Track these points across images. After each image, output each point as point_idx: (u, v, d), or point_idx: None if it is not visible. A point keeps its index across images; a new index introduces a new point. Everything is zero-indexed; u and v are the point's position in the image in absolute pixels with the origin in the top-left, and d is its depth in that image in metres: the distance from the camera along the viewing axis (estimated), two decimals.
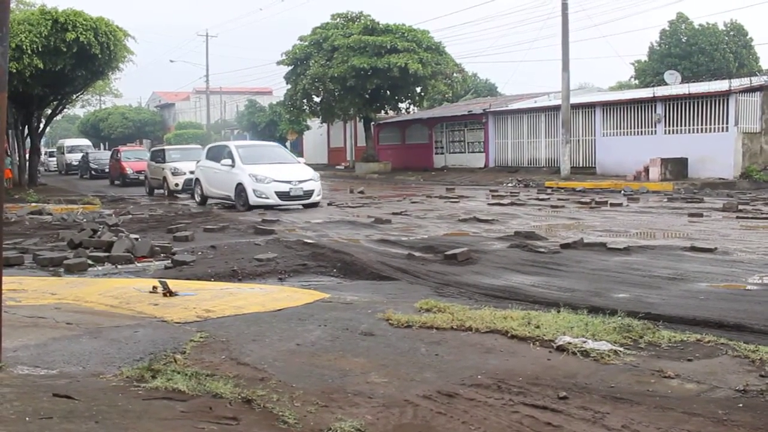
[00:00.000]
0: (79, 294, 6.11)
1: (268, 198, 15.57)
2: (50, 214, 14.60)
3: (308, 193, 15.93)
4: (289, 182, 15.73)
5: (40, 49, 21.06)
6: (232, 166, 16.32)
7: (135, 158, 30.11)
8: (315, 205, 16.14)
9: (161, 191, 22.65)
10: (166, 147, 26.37)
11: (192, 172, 19.48)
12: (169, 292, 5.88)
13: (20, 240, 10.24)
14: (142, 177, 26.13)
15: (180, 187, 21.40)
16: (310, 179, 16.17)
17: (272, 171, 15.99)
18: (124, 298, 5.85)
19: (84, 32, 21.45)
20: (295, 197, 15.79)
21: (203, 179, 17.75)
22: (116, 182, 29.93)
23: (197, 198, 18.19)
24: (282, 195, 15.63)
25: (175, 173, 21.64)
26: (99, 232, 9.96)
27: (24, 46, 20.67)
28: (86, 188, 27.10)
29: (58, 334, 4.61)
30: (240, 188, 15.89)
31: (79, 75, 23.33)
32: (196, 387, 3.46)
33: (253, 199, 15.55)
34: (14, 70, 20.72)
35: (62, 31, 21.32)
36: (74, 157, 42.12)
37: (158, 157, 23.59)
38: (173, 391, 3.40)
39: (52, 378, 3.66)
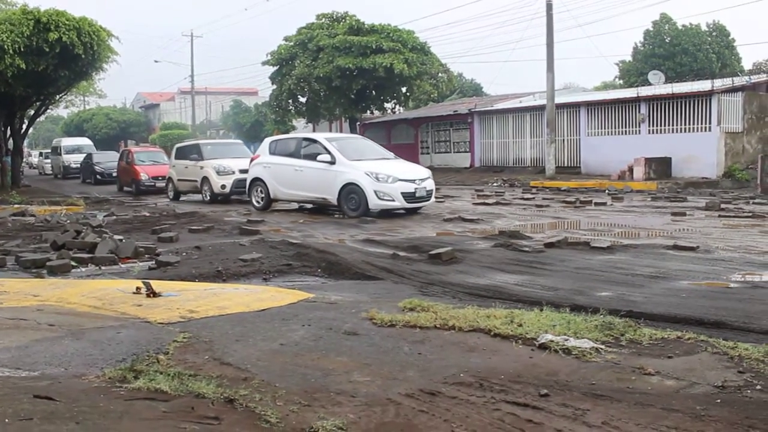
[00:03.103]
0: (61, 295, 6.07)
1: (393, 200, 13.28)
2: (33, 215, 14.48)
3: (429, 194, 13.91)
4: (413, 181, 13.54)
5: (22, 49, 20.83)
6: (332, 162, 13.90)
7: (150, 161, 25.41)
8: (419, 208, 14.12)
9: (198, 197, 19.07)
10: (200, 141, 22.52)
11: (243, 171, 16.87)
12: (152, 293, 5.85)
13: (2, 242, 10.15)
14: (160, 184, 22.51)
15: (227, 190, 17.99)
16: (429, 177, 14.06)
17: (388, 168, 13.74)
18: (108, 299, 5.82)
19: (67, 32, 21.22)
20: (419, 198, 13.62)
21: (271, 179, 15.17)
22: (126, 189, 25.16)
23: (257, 202, 15.61)
24: (408, 196, 13.40)
25: (221, 172, 18.14)
26: (82, 234, 9.89)
27: (6, 46, 20.44)
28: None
29: (39, 335, 4.58)
30: (351, 189, 13.54)
31: (62, 75, 23.07)
32: (178, 387, 3.46)
33: (374, 202, 13.23)
34: None
35: (45, 31, 21.10)
36: (73, 159, 36.84)
37: (191, 153, 19.50)
38: (155, 392, 3.40)
39: (33, 380, 3.64)
